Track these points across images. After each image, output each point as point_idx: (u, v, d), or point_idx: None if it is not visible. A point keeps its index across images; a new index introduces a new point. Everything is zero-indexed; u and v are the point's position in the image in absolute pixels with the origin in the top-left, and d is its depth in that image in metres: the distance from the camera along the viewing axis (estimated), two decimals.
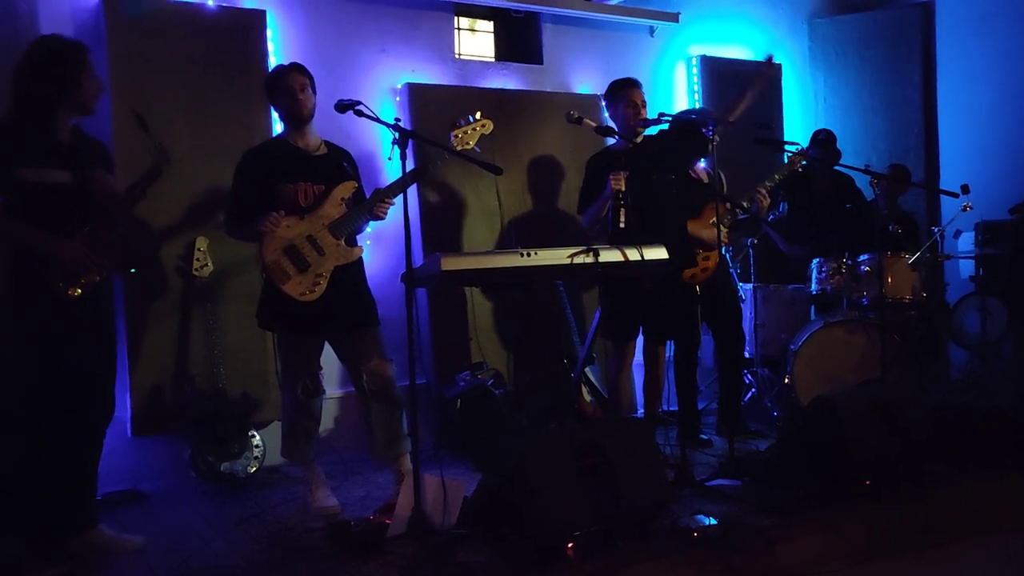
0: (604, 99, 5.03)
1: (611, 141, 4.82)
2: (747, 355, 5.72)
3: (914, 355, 5.48)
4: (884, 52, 7.18)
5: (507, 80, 5.88)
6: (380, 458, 4.20)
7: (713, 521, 3.41)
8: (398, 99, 5.45)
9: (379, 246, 5.15)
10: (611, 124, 4.93)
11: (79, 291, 3.37)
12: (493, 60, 6.10)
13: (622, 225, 4.28)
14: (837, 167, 5.49)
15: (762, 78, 5.04)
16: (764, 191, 5.00)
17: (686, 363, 5.02)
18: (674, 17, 6.33)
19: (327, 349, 4.14)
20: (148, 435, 4.61)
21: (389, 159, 3.66)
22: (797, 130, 7.11)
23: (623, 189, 4.34)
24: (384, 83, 5.44)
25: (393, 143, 3.46)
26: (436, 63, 5.64)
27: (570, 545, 3.09)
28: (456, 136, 4.08)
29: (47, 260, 3.31)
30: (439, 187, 5.44)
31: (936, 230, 5.92)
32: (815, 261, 5.55)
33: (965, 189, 5.45)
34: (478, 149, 4.10)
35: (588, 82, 6.11)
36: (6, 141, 3.33)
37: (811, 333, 5.26)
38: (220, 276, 4.70)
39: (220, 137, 4.74)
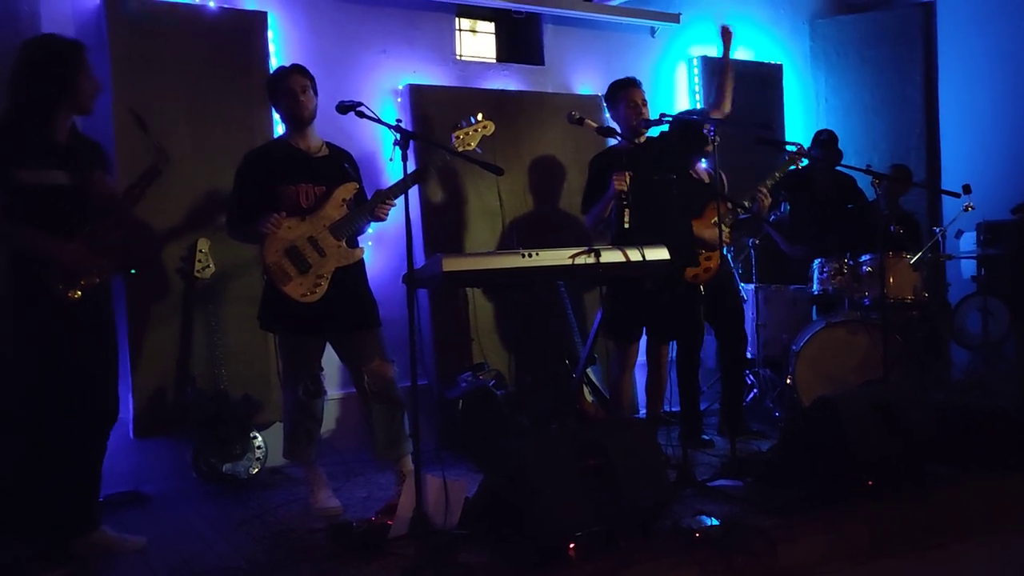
0: (605, 99, 5.03)
1: (613, 141, 4.83)
2: (749, 355, 5.71)
3: (916, 355, 5.48)
4: (885, 52, 7.18)
5: (508, 81, 5.88)
6: (382, 459, 4.20)
7: (715, 521, 3.42)
8: (399, 100, 5.46)
9: (380, 247, 5.15)
10: (612, 124, 4.92)
11: (79, 293, 3.36)
12: (494, 61, 6.10)
13: (626, 225, 4.28)
14: (839, 167, 5.49)
15: (725, 54, 5.07)
16: (765, 190, 5.00)
17: (688, 364, 5.02)
18: (675, 18, 6.34)
19: (328, 350, 4.14)
20: (150, 437, 4.61)
21: (390, 160, 3.67)
22: (798, 130, 7.11)
23: (626, 189, 4.34)
24: (385, 84, 5.44)
25: (394, 144, 3.46)
26: (437, 64, 5.64)
27: (572, 545, 3.09)
28: (457, 137, 4.08)
29: (47, 262, 3.30)
30: (440, 188, 5.44)
31: (938, 230, 5.92)
32: (817, 261, 5.55)
33: (967, 189, 5.45)
34: (479, 150, 4.10)
35: (589, 83, 6.11)
36: (4, 142, 3.31)
37: (813, 333, 5.26)
38: (222, 277, 4.71)
39: (221, 138, 4.75)
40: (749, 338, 5.43)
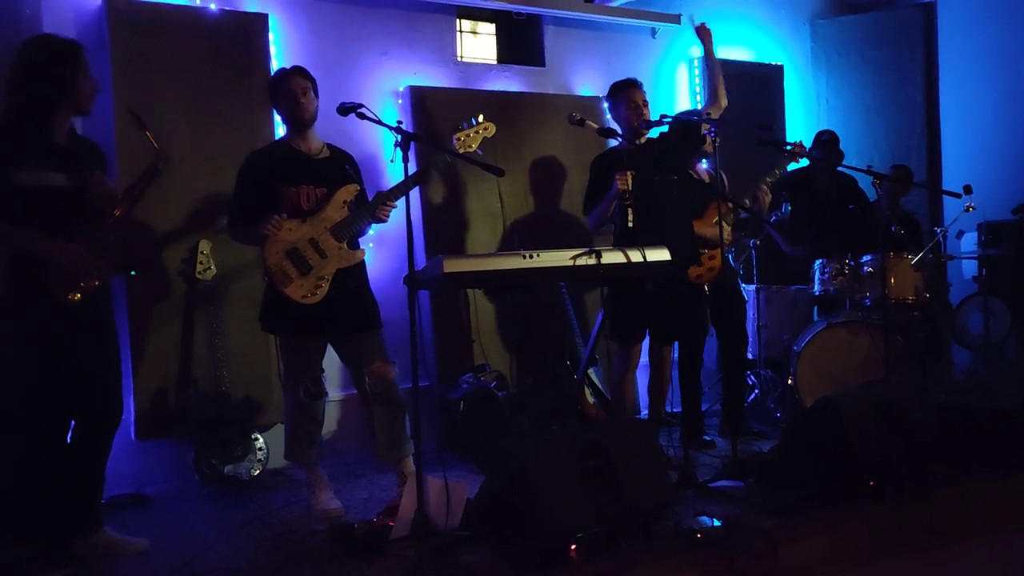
0: (606, 100, 5.04)
1: (614, 142, 4.83)
2: (750, 356, 5.71)
3: (917, 356, 5.47)
4: (886, 53, 7.18)
5: (509, 82, 5.89)
6: (383, 460, 4.20)
7: (716, 522, 3.42)
8: (400, 102, 5.46)
9: (382, 248, 5.16)
10: (613, 125, 4.93)
11: (79, 295, 3.34)
12: (495, 62, 6.10)
13: (630, 224, 4.28)
14: (840, 168, 5.49)
15: (707, 51, 5.05)
16: (765, 187, 5.02)
17: (691, 365, 5.02)
18: (675, 19, 6.34)
19: (330, 351, 4.15)
20: (151, 438, 4.62)
21: (391, 161, 3.67)
22: (799, 131, 7.11)
23: (629, 188, 4.34)
24: (386, 86, 5.44)
25: (395, 146, 3.47)
26: (438, 65, 5.64)
27: (573, 547, 3.09)
28: (459, 139, 4.08)
29: (46, 264, 3.28)
30: (441, 189, 5.45)
31: (939, 231, 5.92)
32: (818, 262, 5.55)
33: (968, 189, 5.45)
34: (480, 152, 4.11)
35: (590, 84, 6.11)
36: (4, 143, 3.29)
37: (814, 334, 5.26)
38: (223, 279, 4.71)
39: (223, 140, 4.75)
40: (750, 339, 5.43)
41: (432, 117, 5.40)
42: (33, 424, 3.39)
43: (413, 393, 3.33)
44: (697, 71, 6.57)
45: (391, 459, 4.12)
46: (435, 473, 3.56)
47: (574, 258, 3.64)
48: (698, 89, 6.55)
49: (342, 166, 4.10)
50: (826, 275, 5.48)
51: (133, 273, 4.48)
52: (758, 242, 5.82)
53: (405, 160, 3.46)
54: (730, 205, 4.83)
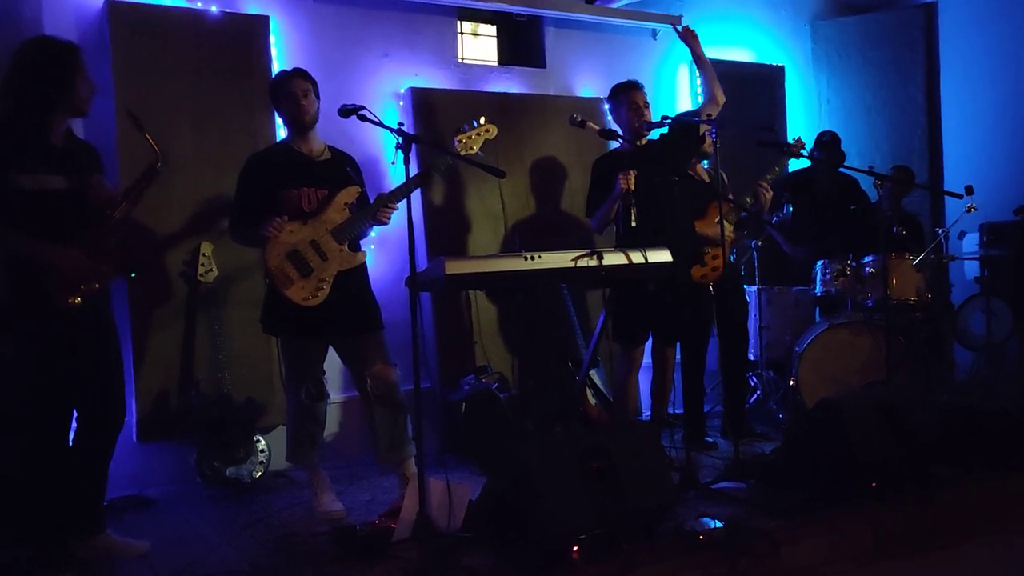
0: (607, 102, 5.04)
1: (615, 144, 4.82)
2: (752, 357, 5.72)
3: (919, 357, 5.47)
4: (887, 53, 7.17)
5: (510, 84, 5.89)
6: (385, 462, 4.20)
7: (718, 524, 3.41)
8: (401, 103, 5.46)
9: (383, 250, 5.16)
10: (614, 127, 4.93)
11: (79, 299, 3.33)
12: (496, 64, 6.11)
13: (633, 224, 4.28)
14: (841, 169, 5.49)
15: (695, 52, 5.05)
16: (766, 184, 5.02)
17: (694, 366, 5.02)
18: (676, 20, 6.32)
19: (331, 353, 4.15)
20: (153, 440, 4.62)
21: (392, 163, 3.67)
22: (800, 132, 7.06)
23: (632, 188, 4.35)
24: (387, 88, 5.44)
25: (396, 147, 3.47)
26: (439, 67, 5.64)
27: (575, 548, 3.09)
28: (460, 141, 4.08)
29: (46, 269, 3.27)
30: (443, 191, 5.45)
31: (940, 231, 5.92)
32: (819, 263, 5.55)
33: (969, 190, 5.45)
34: (481, 153, 4.11)
35: (591, 85, 6.11)
36: (1, 145, 3.27)
37: (816, 335, 5.25)
38: (225, 281, 4.71)
39: (224, 142, 4.75)
40: (752, 340, 5.43)
41: (433, 119, 5.40)
42: (33, 424, 3.39)
43: (415, 395, 3.33)
44: (698, 72, 6.55)
45: (393, 461, 4.12)
46: (437, 475, 3.57)
47: (575, 259, 3.65)
48: (699, 90, 6.53)
49: (343, 168, 4.10)
50: (828, 276, 5.48)
51: (133, 276, 4.48)
52: (759, 243, 5.82)
53: (406, 162, 3.46)
54: (731, 204, 4.84)
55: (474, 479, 4.16)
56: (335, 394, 4.79)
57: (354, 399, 4.73)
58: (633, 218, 4.29)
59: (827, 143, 5.87)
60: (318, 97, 4.06)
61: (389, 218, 3.97)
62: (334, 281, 3.89)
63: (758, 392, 5.87)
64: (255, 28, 4.92)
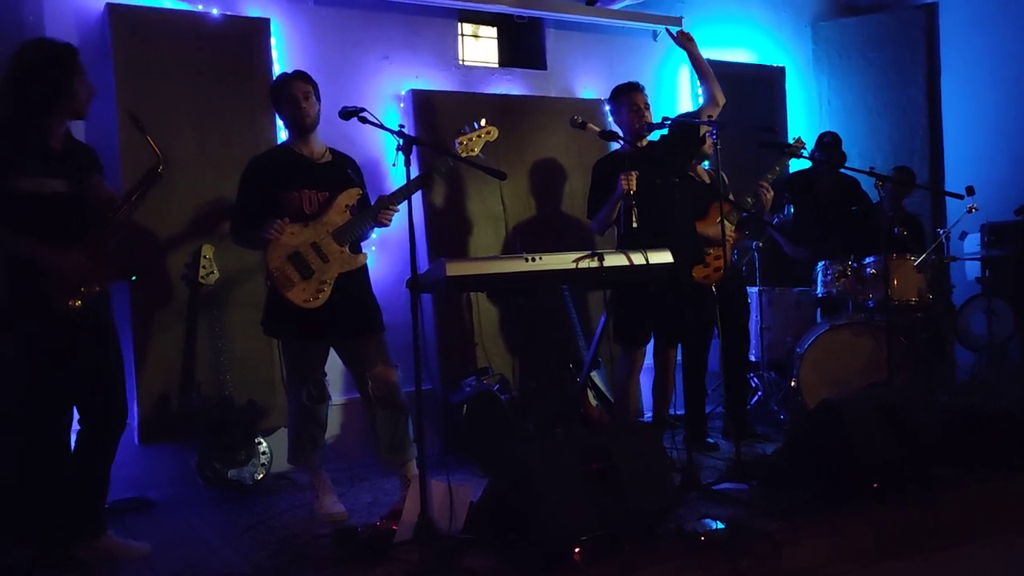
0: (608, 103, 5.04)
1: (615, 145, 4.82)
2: (753, 358, 5.72)
3: (920, 357, 5.47)
4: (888, 54, 7.17)
5: (511, 85, 5.89)
6: (386, 464, 4.20)
7: (720, 525, 3.41)
8: (402, 105, 5.47)
9: (384, 252, 5.16)
10: (615, 128, 4.93)
11: (79, 302, 3.32)
12: (497, 66, 6.11)
13: (634, 225, 4.28)
14: (842, 170, 5.48)
15: (692, 55, 5.05)
16: (766, 184, 5.03)
17: (696, 367, 5.02)
18: (677, 21, 6.33)
19: (332, 355, 4.15)
20: (155, 443, 4.62)
21: (393, 165, 3.67)
22: (801, 133, 7.03)
23: (634, 189, 4.35)
24: (388, 90, 5.45)
25: (397, 149, 3.47)
26: (440, 69, 5.65)
27: (576, 550, 3.09)
28: (461, 143, 4.08)
29: (46, 271, 3.26)
30: (444, 193, 5.45)
31: (941, 232, 5.91)
32: (820, 264, 5.55)
33: (970, 191, 5.45)
34: (482, 155, 4.11)
35: (592, 87, 6.11)
36: (2, 147, 3.27)
37: (817, 336, 5.25)
38: (226, 284, 4.71)
39: (225, 145, 4.76)
40: (753, 341, 5.43)
41: (434, 121, 5.41)
42: (33, 424, 3.39)
43: (416, 396, 3.33)
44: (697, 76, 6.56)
45: (394, 463, 4.12)
46: (438, 476, 3.57)
47: (576, 261, 3.65)
48: (699, 91, 6.53)
49: (344, 170, 4.10)
50: (829, 277, 5.48)
51: (134, 278, 4.48)
52: (760, 244, 5.82)
53: (407, 164, 3.46)
54: (732, 204, 4.84)
55: (475, 481, 4.16)
56: (336, 396, 4.79)
57: (355, 401, 4.74)
58: (634, 219, 4.29)
59: (828, 144, 5.87)
60: (319, 99, 4.06)
61: (390, 220, 3.98)
62: (335, 283, 3.89)
63: (759, 393, 5.87)
64: (256, 30, 4.93)
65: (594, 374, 5.24)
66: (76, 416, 3.54)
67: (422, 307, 5.20)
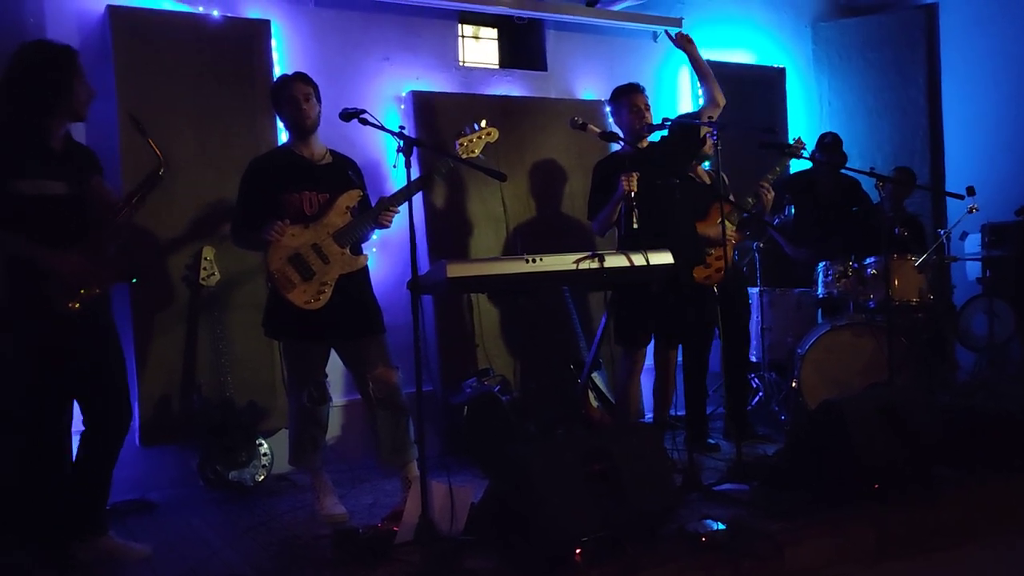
0: (608, 104, 5.04)
1: (616, 146, 4.82)
2: (754, 359, 5.71)
3: (921, 358, 5.47)
4: (888, 55, 7.17)
5: (511, 87, 5.89)
6: (387, 465, 4.20)
7: (721, 526, 3.41)
8: (402, 107, 5.47)
9: (385, 253, 5.16)
10: (616, 129, 4.93)
11: (78, 304, 3.32)
12: (497, 67, 6.12)
13: (635, 226, 4.28)
14: (843, 170, 5.48)
15: (692, 57, 5.05)
16: (767, 184, 5.03)
17: (697, 367, 5.02)
18: (677, 22, 6.34)
19: (333, 356, 4.15)
20: (156, 444, 4.62)
21: (394, 167, 3.67)
22: (801, 133, 7.05)
23: (635, 190, 4.35)
24: (388, 91, 5.45)
25: (398, 151, 3.47)
26: (440, 71, 5.65)
27: (578, 551, 3.09)
28: (461, 144, 4.08)
29: (46, 273, 3.26)
30: (444, 194, 5.45)
31: (942, 232, 5.92)
32: (821, 264, 5.55)
33: (971, 191, 5.45)
34: (482, 157, 4.11)
35: (592, 88, 6.12)
36: (1, 149, 3.27)
37: (818, 337, 5.25)
38: (227, 285, 4.71)
39: (226, 146, 4.76)
40: (754, 342, 5.43)
41: (434, 122, 5.41)
42: (33, 424, 3.39)
43: (417, 398, 3.34)
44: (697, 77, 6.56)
45: (395, 464, 4.12)
46: (439, 478, 3.56)
47: (577, 262, 3.65)
48: (700, 92, 6.53)
49: (345, 172, 4.10)
50: (830, 277, 5.47)
51: (135, 280, 4.48)
52: (761, 245, 5.82)
53: (407, 165, 3.46)
54: (732, 205, 4.84)
55: (476, 482, 4.16)
56: (337, 397, 4.79)
57: (356, 402, 4.74)
58: (635, 220, 4.29)
59: (829, 145, 5.87)
60: (319, 101, 4.06)
61: (391, 221, 3.97)
62: (336, 284, 3.89)
63: (760, 394, 5.87)
64: (256, 32, 4.93)
65: (595, 375, 5.24)
66: (80, 417, 3.54)
67: (423, 308, 5.20)
